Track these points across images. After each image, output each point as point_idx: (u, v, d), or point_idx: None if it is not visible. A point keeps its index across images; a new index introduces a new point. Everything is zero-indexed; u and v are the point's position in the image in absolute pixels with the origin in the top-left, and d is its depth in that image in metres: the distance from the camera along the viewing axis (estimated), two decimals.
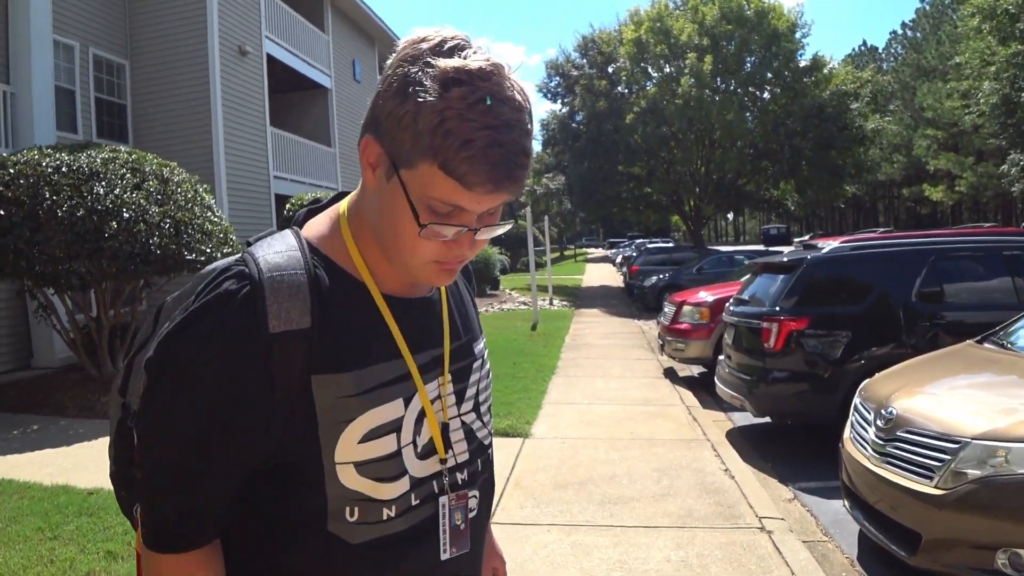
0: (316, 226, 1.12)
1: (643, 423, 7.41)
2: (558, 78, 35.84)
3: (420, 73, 0.91)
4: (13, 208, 8.32)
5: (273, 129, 17.90)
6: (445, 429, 1.14)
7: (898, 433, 3.81)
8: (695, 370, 10.89)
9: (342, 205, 1.12)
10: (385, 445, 1.05)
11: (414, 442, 1.09)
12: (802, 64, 31.28)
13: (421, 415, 1.10)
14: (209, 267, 1.07)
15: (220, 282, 0.98)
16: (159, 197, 9.09)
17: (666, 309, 10.83)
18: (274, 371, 0.96)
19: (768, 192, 36.29)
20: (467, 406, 1.20)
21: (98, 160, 8.95)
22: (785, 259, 7.35)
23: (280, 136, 18.35)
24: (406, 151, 0.93)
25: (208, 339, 0.95)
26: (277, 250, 1.02)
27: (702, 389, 9.64)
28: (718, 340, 9.28)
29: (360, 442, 1.02)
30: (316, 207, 1.17)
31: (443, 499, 1.13)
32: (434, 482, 1.12)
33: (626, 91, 33.19)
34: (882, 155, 50.54)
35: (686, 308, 10.09)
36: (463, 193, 0.93)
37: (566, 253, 69.69)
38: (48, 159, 9.11)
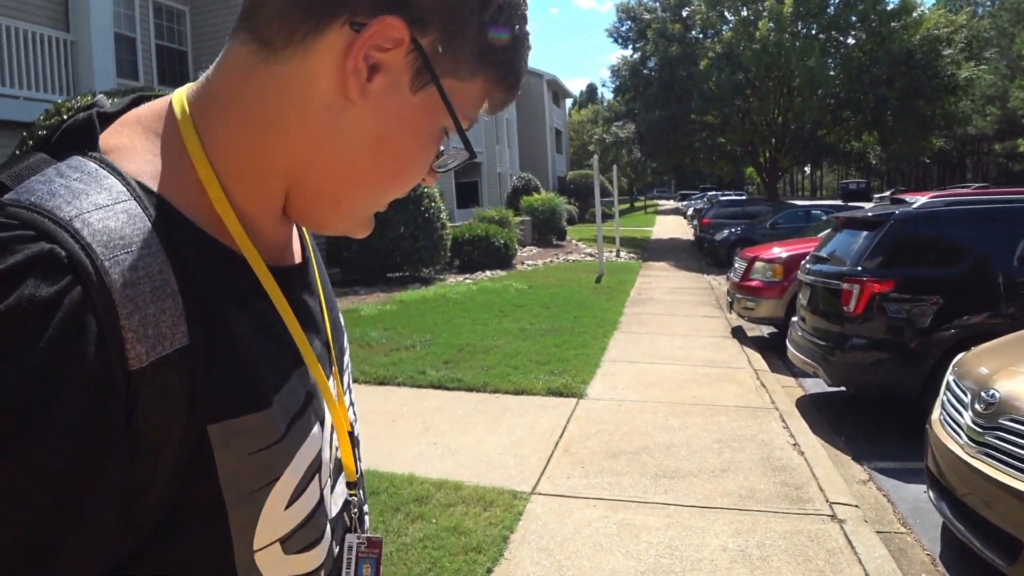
0: (134, 151, 0.61)
1: (707, 387, 6.96)
2: (629, 22, 34.60)
3: None
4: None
5: None
6: (351, 439, 0.79)
7: (1000, 421, 3.29)
8: (765, 330, 10.33)
9: (180, 116, 0.63)
10: (311, 496, 0.67)
11: (330, 473, 0.73)
12: (889, 7, 29.44)
13: (331, 431, 0.73)
14: None
15: (14, 281, 0.48)
16: None
17: (736, 265, 10.27)
18: (139, 433, 0.53)
19: (849, 144, 34.63)
20: (347, 400, 0.83)
21: None
22: (870, 214, 6.72)
23: None
24: (467, 56, 0.64)
25: (9, 398, 0.47)
26: (99, 203, 0.54)
27: (772, 351, 9.10)
28: (791, 300, 8.71)
29: (288, 506, 0.63)
30: (106, 112, 0.64)
31: (350, 539, 0.76)
32: (345, 514, 0.77)
33: (700, 35, 31.91)
34: (974, 107, 47.83)
35: (758, 264, 9.50)
36: (474, 115, 0.70)
37: (636, 204, 68.47)
38: None
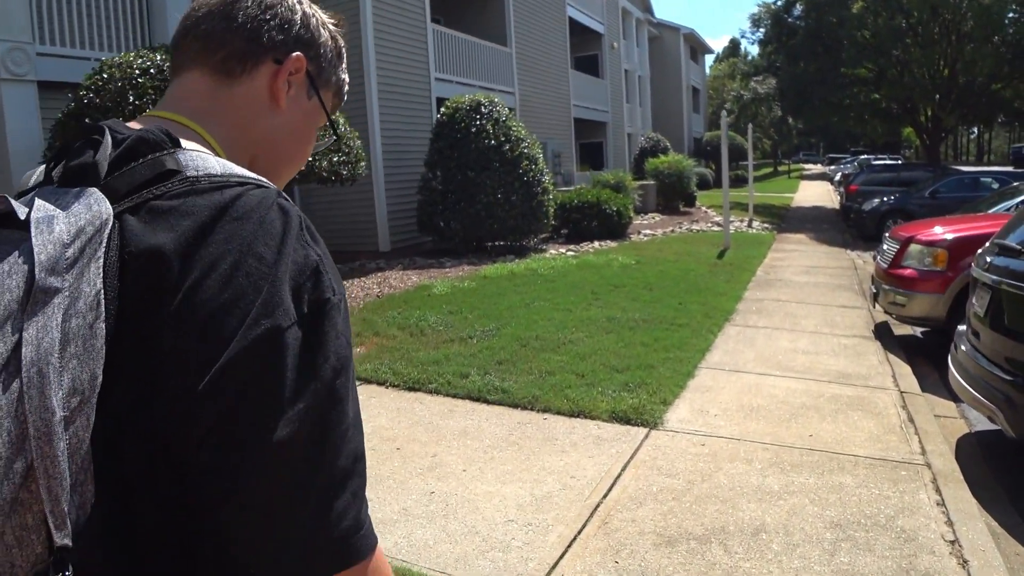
0: (201, 150, 0.88)
1: (831, 418, 5.15)
2: None
3: (313, 10, 1.04)
4: (99, 117, 7.61)
5: (435, 26, 16.23)
6: None
7: None
8: (918, 327, 8.26)
9: (197, 129, 0.94)
10: None
11: None
12: None
13: None
14: (255, 195, 0.80)
15: (282, 202, 0.81)
16: None
17: (885, 246, 8.16)
18: None
19: None
20: None
21: None
22: None
23: (443, 34, 16.65)
24: (326, 75, 1.05)
25: (337, 277, 0.81)
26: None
27: (924, 358, 7.13)
28: (957, 297, 6.68)
29: None
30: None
31: None
32: None
33: None
34: None
35: (914, 248, 7.41)
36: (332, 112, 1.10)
37: (780, 168, 64.11)
38: (141, 60, 8.25)
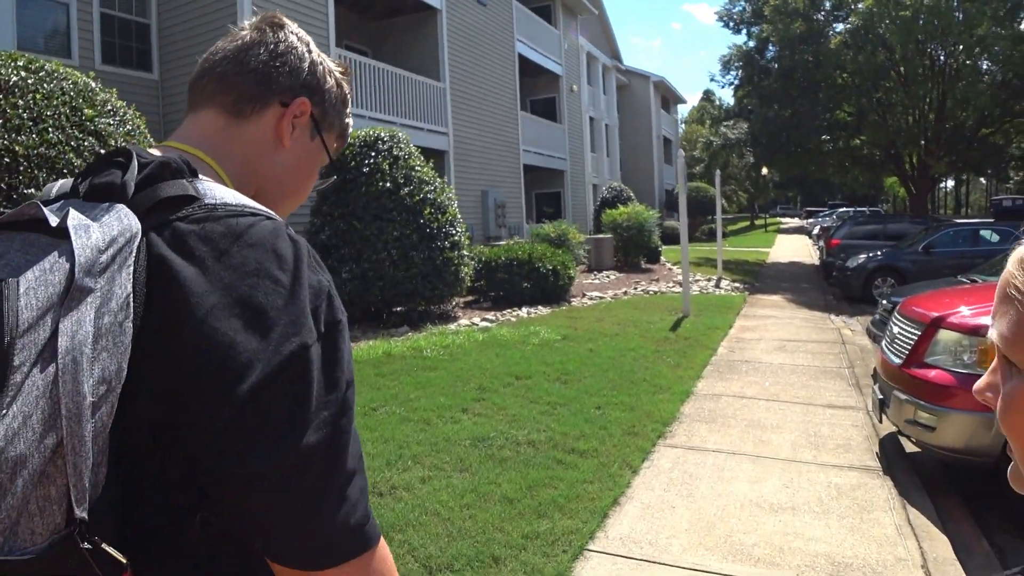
0: (213, 182, 0.94)
1: None
2: (743, 3, 28.83)
3: (321, 59, 1.12)
4: None
5: (341, 51, 13.73)
6: None
7: None
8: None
9: (212, 164, 1.02)
10: None
11: None
12: None
13: None
14: (266, 225, 0.87)
15: (305, 245, 0.88)
16: None
17: (896, 328, 5.40)
18: None
19: (1020, 147, 27.83)
20: None
21: None
22: None
23: (353, 61, 14.12)
24: (330, 119, 1.13)
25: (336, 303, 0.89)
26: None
27: (958, 501, 4.44)
28: None
29: None
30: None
31: None
32: None
33: (828, 12, 25.79)
34: None
35: (945, 336, 4.63)
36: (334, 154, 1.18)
37: (757, 222, 62.13)
38: None
